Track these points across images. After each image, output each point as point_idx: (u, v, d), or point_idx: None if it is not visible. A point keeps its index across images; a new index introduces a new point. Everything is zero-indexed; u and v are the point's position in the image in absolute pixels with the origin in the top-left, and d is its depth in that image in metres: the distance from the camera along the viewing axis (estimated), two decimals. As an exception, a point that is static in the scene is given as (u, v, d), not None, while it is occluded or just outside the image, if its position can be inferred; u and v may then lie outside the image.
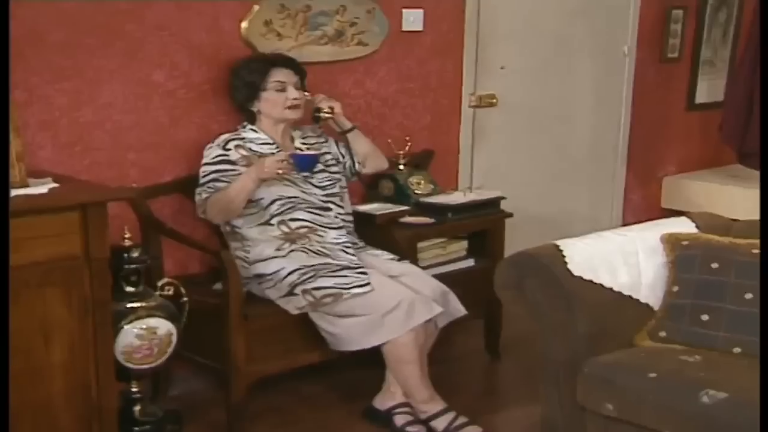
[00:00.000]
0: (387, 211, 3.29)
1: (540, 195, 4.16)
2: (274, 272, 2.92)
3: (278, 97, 3.01)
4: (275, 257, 2.93)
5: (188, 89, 3.11)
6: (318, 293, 2.85)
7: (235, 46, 3.17)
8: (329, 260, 2.93)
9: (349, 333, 2.85)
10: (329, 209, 3.06)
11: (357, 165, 3.21)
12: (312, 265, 2.91)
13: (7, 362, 2.13)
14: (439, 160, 3.74)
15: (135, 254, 2.65)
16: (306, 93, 3.09)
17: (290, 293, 2.88)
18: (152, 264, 2.80)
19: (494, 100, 3.90)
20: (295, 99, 3.02)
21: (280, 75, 3.02)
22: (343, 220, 3.10)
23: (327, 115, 3.12)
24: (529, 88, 4.06)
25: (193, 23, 3.08)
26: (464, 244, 3.44)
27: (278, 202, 2.97)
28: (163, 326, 2.66)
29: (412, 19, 3.61)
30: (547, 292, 2.46)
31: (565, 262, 2.49)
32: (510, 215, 3.48)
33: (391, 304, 2.82)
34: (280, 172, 2.89)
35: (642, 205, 4.63)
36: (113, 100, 2.96)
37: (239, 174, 2.92)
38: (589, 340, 2.43)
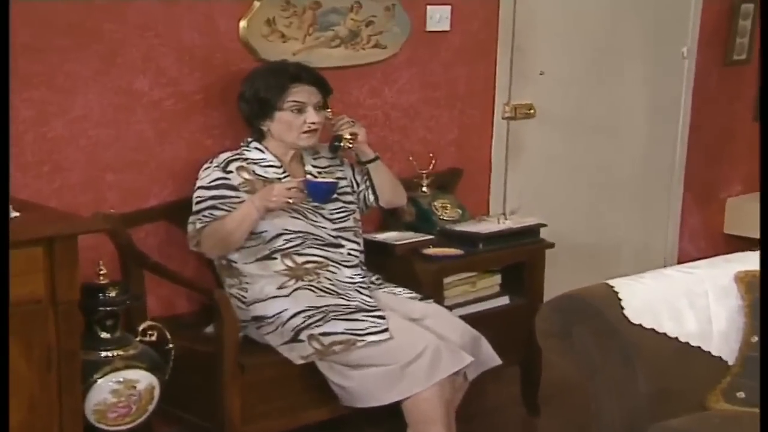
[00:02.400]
0: (407, 241, 3.22)
1: (584, 220, 4.16)
2: (276, 314, 2.84)
3: (294, 120, 2.93)
4: (277, 297, 2.86)
5: (177, 99, 3.06)
6: (326, 340, 2.77)
7: (232, 49, 3.13)
8: (341, 301, 2.85)
9: (364, 387, 2.77)
10: (341, 246, 2.98)
11: (375, 199, 3.14)
12: (320, 307, 2.83)
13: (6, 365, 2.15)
14: (468, 180, 3.72)
15: (112, 294, 2.60)
16: (328, 111, 3.01)
17: (294, 339, 2.81)
18: (132, 305, 2.75)
19: (532, 111, 3.89)
20: (313, 123, 2.94)
21: (300, 94, 2.93)
22: (358, 257, 3.02)
23: (349, 145, 3.03)
24: (572, 97, 4.05)
25: (183, 22, 3.04)
26: (497, 279, 3.40)
27: (283, 237, 2.89)
28: (144, 379, 2.59)
29: (438, 18, 3.58)
30: (600, 342, 2.40)
31: (621, 307, 2.43)
32: (551, 245, 3.44)
33: (412, 353, 2.73)
34: (291, 201, 2.82)
35: (701, 230, 4.62)
36: (88, 112, 2.91)
37: (241, 201, 2.86)
38: (651, 401, 2.35)
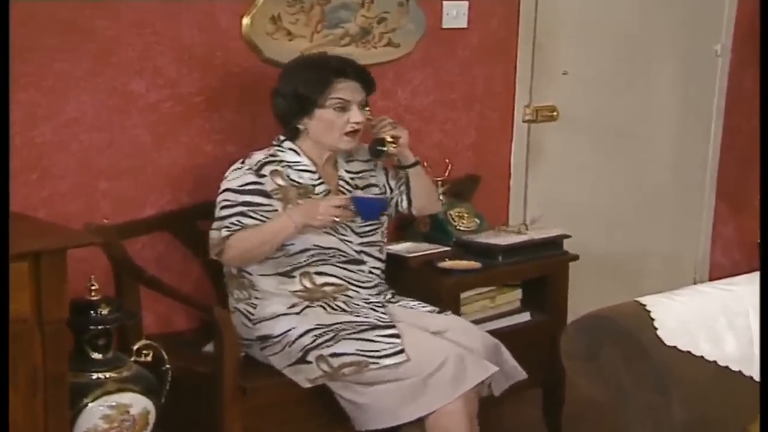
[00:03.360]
0: (422, 253, 3.21)
1: (610, 230, 4.13)
2: (283, 333, 2.79)
3: (336, 119, 2.84)
4: (286, 314, 2.80)
5: (175, 101, 3.05)
6: (336, 361, 2.72)
7: (234, 48, 3.12)
8: (353, 318, 2.80)
9: (381, 402, 2.70)
10: (362, 262, 2.91)
11: (408, 205, 3.06)
12: (330, 325, 2.77)
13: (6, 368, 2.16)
14: (486, 187, 3.71)
15: (104, 311, 2.56)
16: (367, 110, 2.92)
17: (302, 360, 2.75)
18: (126, 322, 2.70)
19: (554, 113, 3.88)
20: (357, 123, 2.85)
21: (344, 91, 2.84)
22: (378, 276, 2.96)
23: (393, 149, 2.94)
24: (597, 98, 4.03)
25: (181, 19, 3.03)
26: (518, 294, 3.38)
27: (309, 253, 2.83)
28: (138, 403, 2.55)
29: (455, 14, 3.57)
30: (631, 366, 2.31)
31: (655, 327, 2.34)
32: (575, 258, 3.44)
33: (434, 363, 2.67)
34: (338, 220, 2.75)
35: (735, 240, 4.59)
36: (80, 115, 2.90)
37: (273, 210, 2.79)
38: (687, 431, 2.27)
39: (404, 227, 3.37)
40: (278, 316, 2.80)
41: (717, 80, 4.32)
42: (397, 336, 2.73)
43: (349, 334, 2.74)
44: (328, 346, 2.72)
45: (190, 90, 3.04)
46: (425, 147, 3.55)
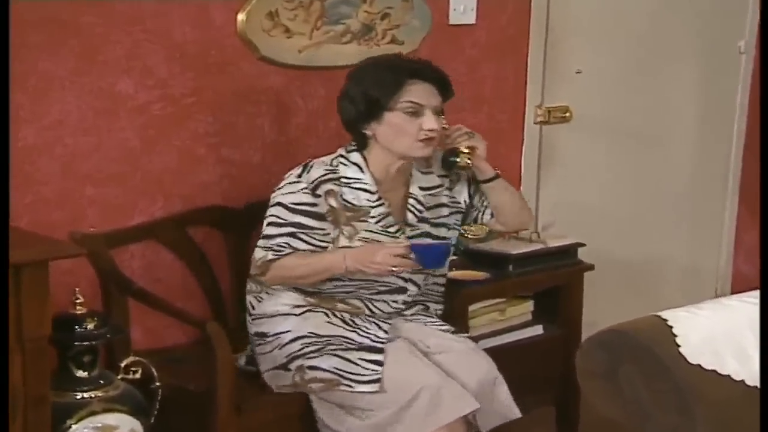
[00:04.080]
0: None
1: (626, 238, 4.13)
2: (276, 334, 2.78)
3: (408, 124, 2.72)
4: (286, 315, 2.78)
5: (166, 103, 3.05)
6: (310, 374, 2.71)
7: (229, 46, 3.12)
8: (347, 333, 2.75)
9: None
10: (404, 291, 2.85)
11: (493, 221, 2.97)
12: (323, 336, 2.74)
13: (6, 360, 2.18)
14: None
15: (90, 325, 2.55)
16: (443, 118, 2.80)
17: (284, 366, 2.76)
18: (114, 338, 2.69)
19: (567, 114, 3.88)
20: (431, 130, 2.73)
21: (418, 93, 2.73)
22: (411, 302, 2.89)
23: (467, 161, 2.81)
24: (613, 99, 4.04)
25: (173, 15, 3.03)
26: (529, 306, 3.39)
27: (336, 282, 2.77)
28: (126, 424, 2.55)
29: (462, 9, 3.58)
30: (652, 385, 2.28)
31: (677, 344, 2.30)
32: (590, 267, 3.44)
33: (408, 395, 2.63)
34: (396, 270, 2.68)
35: (759, 248, 4.51)
36: (64, 118, 2.90)
37: (326, 234, 2.74)
38: None
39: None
40: (278, 315, 2.77)
41: (740, 79, 4.32)
42: (379, 363, 2.67)
43: (334, 349, 2.71)
44: (310, 358, 2.71)
45: (182, 90, 3.04)
46: (431, 150, 3.58)
